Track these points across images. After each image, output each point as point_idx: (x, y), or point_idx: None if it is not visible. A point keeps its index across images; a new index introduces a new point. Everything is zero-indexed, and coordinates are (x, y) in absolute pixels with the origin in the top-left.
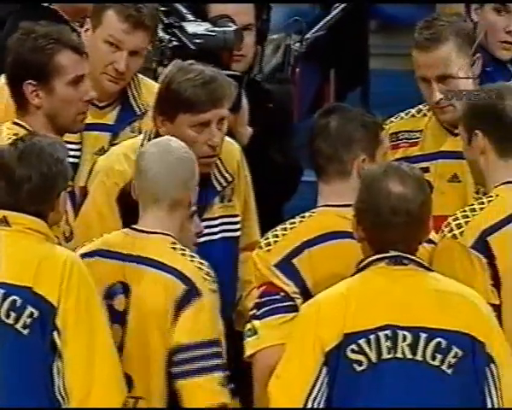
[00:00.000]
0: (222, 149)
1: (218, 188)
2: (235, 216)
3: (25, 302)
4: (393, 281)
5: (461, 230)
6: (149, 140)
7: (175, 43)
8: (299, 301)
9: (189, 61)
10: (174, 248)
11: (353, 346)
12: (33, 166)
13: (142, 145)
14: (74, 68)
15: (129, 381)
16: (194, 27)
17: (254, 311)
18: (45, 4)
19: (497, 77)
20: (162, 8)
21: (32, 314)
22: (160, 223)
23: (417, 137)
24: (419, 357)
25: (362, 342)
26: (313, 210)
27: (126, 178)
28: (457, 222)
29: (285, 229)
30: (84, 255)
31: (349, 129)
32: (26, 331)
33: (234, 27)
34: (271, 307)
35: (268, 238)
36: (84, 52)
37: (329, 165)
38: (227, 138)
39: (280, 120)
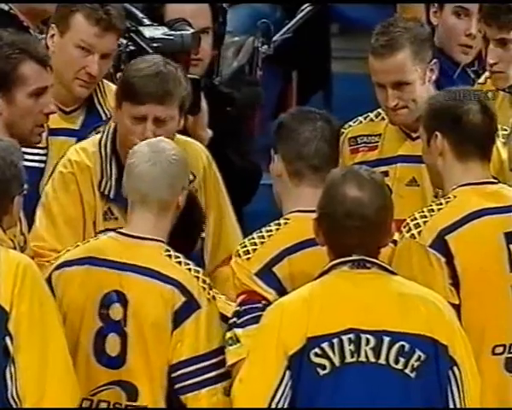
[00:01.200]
0: (186, 149)
1: None
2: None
3: None
4: (356, 284)
5: (419, 229)
6: (108, 135)
7: (132, 47)
8: None
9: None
10: (169, 255)
11: (317, 350)
12: None
13: (101, 140)
14: (37, 80)
15: (134, 390)
16: (152, 31)
17: (235, 319)
18: (5, 9)
19: (457, 81)
20: None
21: None
22: (150, 226)
23: (376, 142)
24: (382, 361)
25: (325, 345)
26: (287, 216)
27: (83, 168)
28: (415, 222)
29: (262, 237)
30: (71, 263)
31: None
32: None
33: (191, 31)
34: (253, 315)
35: (246, 246)
36: (48, 64)
37: (326, 167)
38: (192, 141)
39: (239, 123)
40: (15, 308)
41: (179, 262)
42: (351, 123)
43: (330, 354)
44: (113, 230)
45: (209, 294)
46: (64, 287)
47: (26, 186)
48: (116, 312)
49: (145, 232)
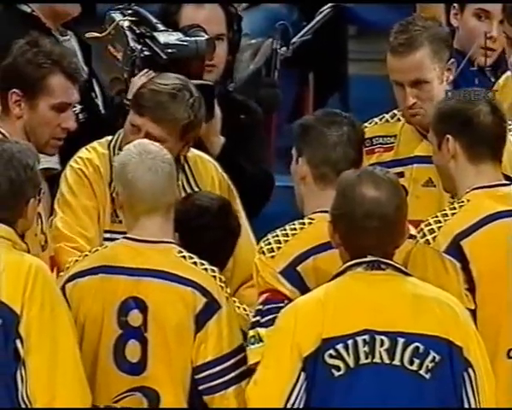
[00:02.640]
0: (197, 163)
1: (183, 194)
2: None
3: None
4: (371, 286)
5: (433, 235)
6: (118, 138)
7: (146, 53)
8: None
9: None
10: (183, 257)
11: (331, 351)
12: (1, 172)
13: (110, 142)
14: (63, 94)
15: (155, 396)
16: (166, 37)
17: (258, 318)
18: (28, 11)
19: (474, 82)
20: (133, 19)
21: None
22: (159, 229)
23: (392, 142)
24: (397, 362)
25: (340, 347)
26: (311, 216)
27: (94, 166)
28: (430, 227)
29: (287, 235)
30: (84, 273)
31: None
32: None
33: (206, 37)
34: (276, 315)
35: (270, 243)
36: (77, 81)
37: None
38: (205, 156)
39: (252, 130)
40: (26, 311)
41: (194, 263)
42: (366, 124)
43: (345, 355)
44: (120, 233)
45: (227, 292)
46: (79, 298)
47: (42, 190)
48: (135, 318)
49: (154, 236)
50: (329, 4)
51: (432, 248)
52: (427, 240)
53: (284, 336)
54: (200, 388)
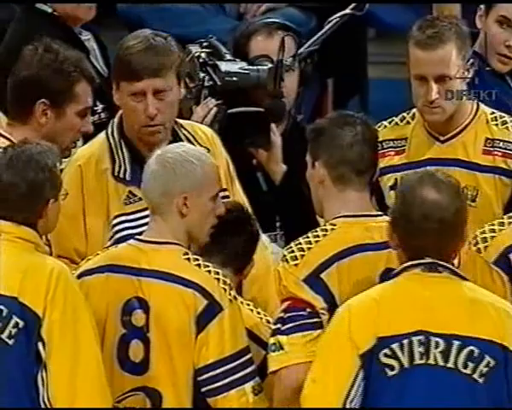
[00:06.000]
0: (193, 130)
1: None
2: (223, 190)
3: (10, 312)
4: (427, 287)
5: (485, 244)
6: (113, 124)
7: (208, 82)
8: (324, 318)
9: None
10: (188, 259)
11: (386, 350)
12: (19, 173)
13: (107, 130)
14: (86, 100)
15: (158, 396)
16: (229, 66)
17: (279, 326)
18: (49, 11)
19: (492, 85)
20: (207, 50)
21: (17, 324)
22: (168, 230)
23: (403, 145)
24: (451, 364)
25: (395, 346)
26: (333, 221)
27: (90, 159)
28: (483, 236)
29: (309, 242)
30: (92, 271)
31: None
32: (11, 342)
33: (268, 66)
34: (297, 323)
35: (293, 252)
36: (94, 82)
37: (369, 170)
38: (200, 125)
39: None
40: (48, 314)
41: (198, 265)
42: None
43: (399, 354)
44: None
45: (230, 294)
46: (85, 296)
47: (64, 192)
48: (138, 318)
49: (161, 236)
50: (339, 14)
51: (482, 258)
52: (479, 248)
53: (340, 334)
54: (203, 390)
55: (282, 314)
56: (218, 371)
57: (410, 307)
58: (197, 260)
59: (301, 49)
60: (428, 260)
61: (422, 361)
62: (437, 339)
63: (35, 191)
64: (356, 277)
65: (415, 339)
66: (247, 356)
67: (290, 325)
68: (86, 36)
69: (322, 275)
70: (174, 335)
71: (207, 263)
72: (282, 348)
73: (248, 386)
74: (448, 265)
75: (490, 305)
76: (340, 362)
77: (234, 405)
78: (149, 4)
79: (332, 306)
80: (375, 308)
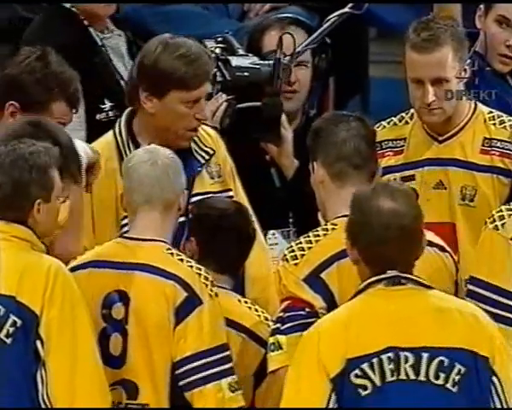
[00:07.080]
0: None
1: (202, 160)
2: (228, 190)
3: (8, 311)
4: (392, 302)
5: (503, 221)
6: (120, 123)
7: (220, 78)
8: None
9: (170, 35)
10: (171, 253)
11: (357, 371)
12: (6, 172)
13: (114, 130)
14: (61, 119)
15: (134, 388)
16: (240, 60)
17: (278, 325)
18: (68, 6)
19: (493, 85)
20: (221, 46)
21: (15, 323)
22: (153, 228)
23: (401, 146)
24: (422, 377)
25: (365, 366)
26: (334, 221)
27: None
28: (500, 214)
29: (310, 242)
30: (77, 268)
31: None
32: (9, 340)
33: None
34: (296, 322)
35: (293, 251)
36: (76, 108)
37: (367, 165)
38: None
39: None
40: (46, 312)
41: (181, 260)
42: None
43: (371, 374)
44: None
45: (211, 290)
46: None
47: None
48: (118, 311)
49: (148, 234)
50: (337, 12)
51: (499, 234)
52: (496, 226)
53: (310, 358)
54: (180, 384)
55: (281, 314)
56: (194, 364)
57: (377, 325)
58: (180, 255)
59: (299, 48)
60: (391, 273)
61: (394, 378)
62: (406, 353)
63: (19, 191)
64: (357, 276)
65: (384, 357)
66: (226, 353)
67: (289, 324)
68: (108, 34)
69: (322, 274)
70: (153, 327)
71: (190, 259)
72: (281, 348)
73: (225, 382)
74: (411, 276)
75: (457, 311)
76: (312, 387)
77: (210, 400)
78: (152, 7)
79: (331, 305)
80: (342, 330)
